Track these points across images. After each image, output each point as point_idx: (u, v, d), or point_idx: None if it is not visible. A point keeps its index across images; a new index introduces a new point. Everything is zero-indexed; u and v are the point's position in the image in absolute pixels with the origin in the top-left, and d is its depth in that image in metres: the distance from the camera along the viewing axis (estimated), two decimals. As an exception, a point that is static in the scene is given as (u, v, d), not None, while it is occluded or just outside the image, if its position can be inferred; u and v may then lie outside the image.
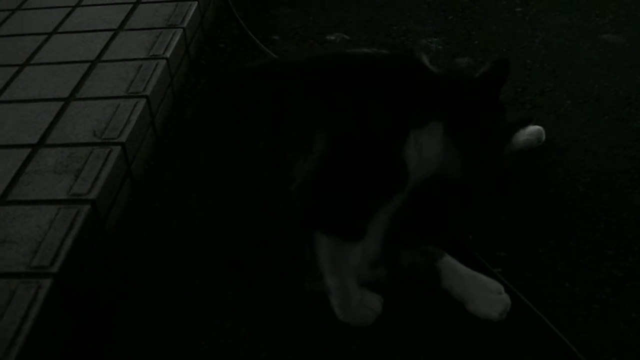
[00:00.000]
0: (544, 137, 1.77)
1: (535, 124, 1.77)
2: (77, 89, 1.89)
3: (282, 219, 1.29)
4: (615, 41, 2.22)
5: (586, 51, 2.18)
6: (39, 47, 2.12)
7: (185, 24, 2.19)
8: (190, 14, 2.26)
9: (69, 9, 2.34)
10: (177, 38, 2.11)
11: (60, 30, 2.22)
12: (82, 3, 2.38)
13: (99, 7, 2.34)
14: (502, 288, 1.36)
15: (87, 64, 2.00)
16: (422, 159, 1.31)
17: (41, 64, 2.04)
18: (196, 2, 2.32)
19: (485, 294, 1.36)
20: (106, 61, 2.01)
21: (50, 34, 2.19)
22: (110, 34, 2.16)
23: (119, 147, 1.65)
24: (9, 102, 1.86)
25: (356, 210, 1.28)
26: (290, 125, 1.26)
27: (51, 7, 2.37)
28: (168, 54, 2.02)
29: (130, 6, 2.32)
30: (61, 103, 1.83)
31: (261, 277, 1.42)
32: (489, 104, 1.42)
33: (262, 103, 1.30)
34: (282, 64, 1.46)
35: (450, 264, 1.40)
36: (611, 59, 2.13)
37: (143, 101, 1.81)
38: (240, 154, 1.29)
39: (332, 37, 2.36)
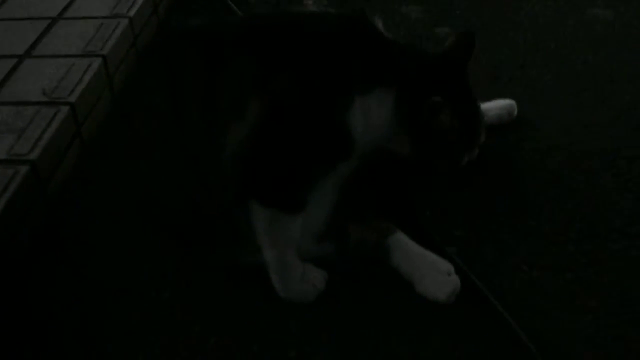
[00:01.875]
0: (515, 112, 1.69)
1: (510, 98, 1.69)
2: (33, 46, 1.81)
3: (216, 189, 1.21)
4: (604, 16, 2.12)
5: (572, 25, 2.08)
6: (1, 3, 2.04)
7: (154, -17, 2.11)
8: (162, -28, 2.18)
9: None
10: (143, -3, 2.03)
11: (23, -15, 2.13)
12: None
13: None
14: (452, 269, 1.29)
15: (48, 21, 1.92)
16: (369, 127, 1.24)
17: (1, 19, 1.96)
18: (169, -39, 2.24)
19: (434, 275, 1.28)
20: (67, 18, 1.94)
21: (13, -10, 2.11)
22: (75, -10, 2.08)
23: (67, 107, 1.58)
24: (-39, 57, 1.79)
25: (294, 180, 1.21)
26: (224, 89, 1.19)
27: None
28: (132, 13, 1.94)
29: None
30: (14, 60, 1.76)
31: (200, 248, 1.35)
32: (448, 81, 1.34)
33: (197, 64, 1.23)
34: (222, 23, 1.38)
35: (400, 240, 1.33)
36: (598, 35, 2.03)
37: (99, 60, 1.73)
38: (173, 118, 1.22)
39: (309, 2, 2.27)
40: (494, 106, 1.66)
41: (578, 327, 1.22)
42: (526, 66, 1.90)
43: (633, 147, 1.60)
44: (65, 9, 1.98)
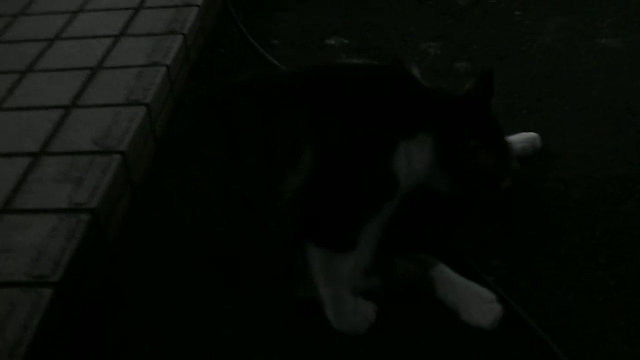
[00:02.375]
0: (539, 144, 1.78)
1: (532, 131, 1.79)
2: (78, 96, 1.91)
3: (274, 232, 1.31)
4: (614, 45, 2.22)
5: (584, 56, 2.19)
6: (41, 54, 2.14)
7: (185, 30, 2.21)
8: (191, 19, 2.28)
9: (71, 14, 2.36)
10: (177, 44, 2.13)
11: (62, 36, 2.24)
12: (84, 9, 2.40)
13: (100, 12, 2.36)
14: (494, 297, 1.38)
15: (88, 71, 2.02)
16: (411, 169, 1.34)
17: (43, 70, 2.06)
18: (197, 7, 2.34)
19: (478, 303, 1.37)
20: (107, 68, 2.03)
21: (52, 40, 2.22)
22: (112, 40, 2.18)
23: (119, 156, 1.67)
24: (11, 109, 1.89)
25: (347, 223, 1.31)
26: (279, 140, 1.29)
27: (53, 13, 2.38)
28: (168, 61, 2.04)
29: (131, 12, 2.33)
30: (62, 111, 1.85)
31: (256, 288, 1.44)
32: (476, 121, 1.45)
33: (251, 117, 1.33)
34: (271, 77, 1.49)
35: (443, 272, 1.42)
36: (609, 64, 2.13)
37: (143, 109, 1.83)
38: (231, 169, 1.32)
39: (332, 42, 2.38)
40: (518, 139, 1.75)
41: (613, 347, 1.31)
42: (543, 98, 2.00)
43: (652, 173, 1.70)
44: (103, 58, 2.08)
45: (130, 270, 1.57)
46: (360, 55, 2.24)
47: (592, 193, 1.66)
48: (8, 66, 2.09)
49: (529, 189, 1.69)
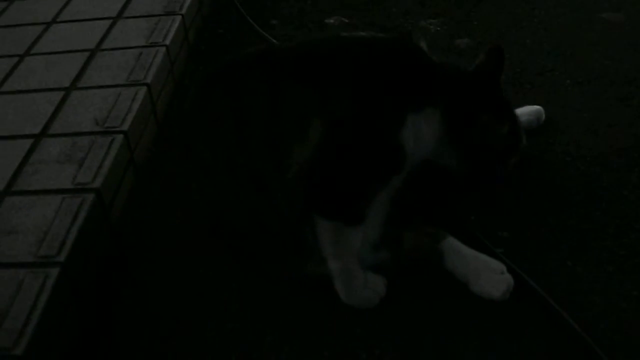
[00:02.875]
0: (543, 117, 1.78)
1: (535, 104, 1.78)
2: (77, 78, 1.89)
3: (282, 206, 1.30)
4: (615, 19, 2.22)
5: (585, 30, 2.18)
6: (39, 37, 2.12)
7: (183, 11, 2.19)
8: (189, 0, 2.26)
9: (67, -2, 2.35)
10: (176, 25, 2.11)
11: (59, 19, 2.22)
12: (80, -8, 2.38)
13: (97, -5, 2.34)
14: (504, 268, 1.37)
15: (87, 53, 2.00)
16: (418, 143, 1.34)
17: (41, 54, 2.04)
18: (194, -12, 2.32)
19: (488, 274, 1.37)
20: (106, 50, 2.01)
21: (49, 24, 2.19)
22: (109, 22, 2.16)
23: (121, 136, 1.66)
24: (10, 92, 1.87)
25: (355, 195, 1.30)
26: (286, 113, 1.28)
27: (49, -4, 2.37)
28: (167, 41, 2.03)
29: (128, -7, 2.31)
30: (62, 93, 1.83)
31: (264, 263, 1.43)
32: (487, 96, 1.44)
33: (257, 92, 1.31)
34: (276, 51, 1.47)
35: (452, 244, 1.41)
36: (610, 38, 2.13)
37: (144, 89, 1.82)
38: (237, 144, 1.31)
39: (331, 21, 2.36)
40: (523, 112, 1.74)
41: (625, 315, 1.31)
42: (546, 72, 2.00)
43: (657, 144, 1.69)
44: (102, 40, 2.06)
45: (136, 250, 1.56)
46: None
47: (597, 165, 1.66)
48: (5, 50, 2.07)
49: (534, 161, 1.69)
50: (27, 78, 1.92)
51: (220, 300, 1.42)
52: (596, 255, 1.43)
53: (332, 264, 1.34)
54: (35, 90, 1.86)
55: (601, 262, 1.42)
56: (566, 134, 1.76)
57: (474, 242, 1.45)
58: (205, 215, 1.47)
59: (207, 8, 2.46)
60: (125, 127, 1.68)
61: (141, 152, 1.76)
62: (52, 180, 1.55)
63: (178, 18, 2.14)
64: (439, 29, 2.26)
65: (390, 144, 1.30)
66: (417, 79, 1.36)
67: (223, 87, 1.37)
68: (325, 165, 1.27)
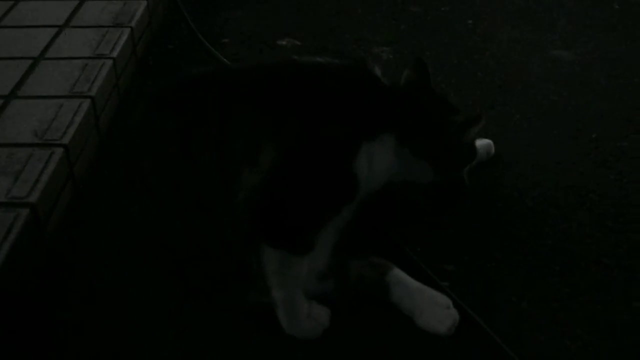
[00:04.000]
0: (493, 151, 1.78)
1: (485, 138, 1.78)
2: (18, 86, 1.82)
3: (227, 231, 1.26)
4: (565, 57, 2.25)
5: (536, 66, 2.20)
6: (-22, 43, 2.04)
7: (133, 23, 2.14)
8: (139, 13, 2.21)
9: (12, 2, 2.26)
10: (124, 37, 2.06)
11: (1, 24, 2.13)
12: (27, -3, 2.30)
13: (43, 1, 2.26)
14: (450, 302, 1.35)
15: (30, 61, 1.93)
16: (373, 171, 1.31)
17: (-19, 58, 1.96)
18: (145, 1, 2.27)
19: (434, 308, 1.34)
20: (50, 59, 1.95)
21: (-10, 28, 2.11)
22: (55, 30, 2.09)
23: (61, 149, 1.59)
24: (-54, 98, 1.79)
25: (304, 224, 1.26)
26: (236, 137, 1.24)
27: (-7, 1, 2.28)
28: (115, 54, 1.97)
29: (76, 2, 2.25)
30: (1, 101, 1.75)
31: (205, 289, 1.38)
32: (428, 102, 1.45)
33: (207, 113, 1.27)
34: (229, 71, 1.44)
35: (399, 277, 1.39)
36: (560, 75, 2.15)
37: (88, 102, 1.75)
38: (184, 165, 1.26)
39: (283, 42, 2.33)
40: None
41: (568, 353, 1.30)
42: (496, 106, 2.00)
43: (602, 183, 1.70)
44: (45, 49, 1.99)
45: (71, 269, 1.48)
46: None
47: (545, 201, 1.66)
48: (-59, 54, 1.98)
49: (482, 195, 1.68)
50: (-36, 84, 1.84)
51: (157, 326, 1.36)
52: (541, 292, 1.42)
53: (275, 293, 1.30)
54: (-29, 97, 1.78)
55: (546, 299, 1.41)
56: (515, 169, 1.76)
57: (420, 275, 1.42)
58: (147, 237, 1.42)
59: (158, 22, 2.41)
60: (65, 140, 1.62)
61: (81, 166, 1.69)
62: (-15, 192, 1.47)
63: (127, 30, 2.09)
64: (391, 56, 2.26)
65: (342, 173, 1.28)
66: (371, 106, 1.33)
67: (172, 106, 1.32)
68: (274, 192, 1.23)
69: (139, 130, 1.36)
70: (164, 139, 1.30)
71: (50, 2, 2.25)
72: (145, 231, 1.39)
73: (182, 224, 1.30)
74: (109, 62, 1.92)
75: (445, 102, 1.50)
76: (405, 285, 1.38)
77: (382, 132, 1.33)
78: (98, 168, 1.76)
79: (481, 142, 1.76)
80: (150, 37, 2.32)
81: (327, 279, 1.38)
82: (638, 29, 2.40)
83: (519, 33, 2.39)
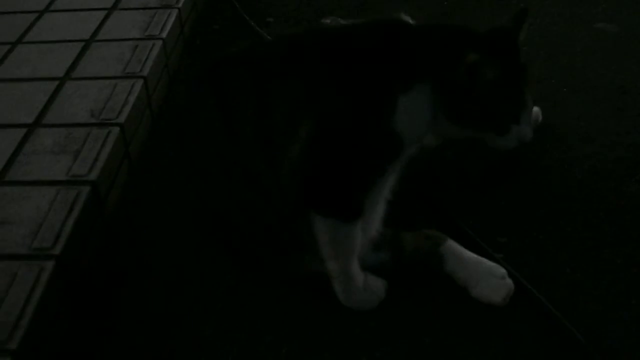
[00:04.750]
0: (540, 118, 1.77)
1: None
2: (72, 68, 1.86)
3: (276, 203, 1.28)
4: (609, 29, 2.23)
5: (581, 39, 2.19)
6: (31, 25, 2.09)
7: (180, 4, 2.17)
8: (185, -6, 2.24)
9: (61, -13, 2.31)
10: (172, 18, 2.09)
11: (52, 8, 2.18)
12: (75, -19, 2.34)
13: (92, -15, 2.31)
14: (505, 273, 1.37)
15: (82, 44, 1.97)
16: (414, 122, 1.29)
17: (34, 42, 2.00)
18: (191, -18, 2.30)
19: (489, 279, 1.36)
20: (101, 41, 1.98)
21: (42, 12, 2.16)
22: (104, 13, 2.13)
23: (118, 128, 1.63)
24: (2, 80, 1.83)
25: (350, 189, 1.27)
26: (275, 110, 1.26)
27: (42, -15, 2.32)
28: (164, 35, 2.00)
29: (124, -15, 2.28)
30: (56, 82, 1.80)
31: (261, 260, 1.41)
32: (476, 38, 1.34)
33: (244, 89, 1.30)
34: (261, 47, 1.45)
35: (453, 248, 1.40)
36: (605, 48, 2.14)
37: (140, 82, 1.79)
38: (228, 141, 1.29)
39: (327, 21, 2.34)
40: None
41: (622, 324, 1.31)
42: (543, 80, 1.99)
43: (653, 155, 1.70)
44: (97, 31, 2.03)
45: (130, 246, 1.53)
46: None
47: (594, 173, 1.66)
48: (-4, 38, 2.03)
49: (532, 167, 1.69)
50: (20, 67, 1.88)
51: (216, 299, 1.40)
52: (594, 264, 1.43)
53: (330, 265, 1.32)
54: (28, 79, 1.83)
55: (600, 271, 1.42)
56: (563, 142, 1.76)
57: (474, 247, 1.44)
58: (200, 213, 1.45)
59: (203, 2, 2.44)
60: (121, 119, 1.66)
61: (136, 145, 1.73)
62: (47, 171, 1.52)
63: (175, 12, 2.12)
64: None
65: (382, 132, 1.26)
66: (402, 58, 1.29)
67: (212, 84, 1.35)
68: (316, 160, 1.24)
69: (183, 109, 1.40)
70: (206, 117, 1.33)
71: (98, -14, 2.29)
72: (199, 208, 1.43)
73: (233, 198, 1.33)
74: (159, 43, 1.96)
75: (487, 37, 1.34)
76: (460, 256, 1.39)
77: (415, 82, 1.27)
78: (151, 147, 1.80)
79: None
80: (196, 18, 2.35)
81: (382, 249, 1.40)
82: (684, 0, 2.38)
83: (562, 6, 2.37)
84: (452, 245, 1.41)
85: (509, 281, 1.36)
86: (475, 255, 1.40)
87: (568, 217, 1.55)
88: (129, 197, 1.64)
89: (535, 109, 1.77)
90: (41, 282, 1.26)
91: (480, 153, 1.70)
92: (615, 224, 1.52)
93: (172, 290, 1.43)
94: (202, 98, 1.37)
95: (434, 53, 1.30)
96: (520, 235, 1.51)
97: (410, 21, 1.36)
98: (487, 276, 1.36)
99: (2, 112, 1.70)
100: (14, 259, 1.32)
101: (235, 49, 1.43)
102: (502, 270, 1.37)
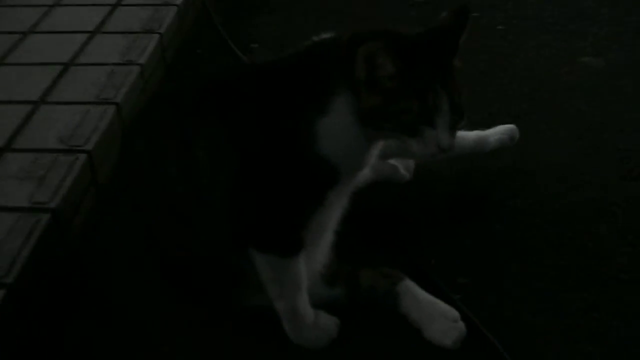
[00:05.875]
0: (517, 136, 1.75)
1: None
2: (47, 92, 1.87)
3: (209, 241, 1.28)
4: (595, 64, 2.21)
5: (565, 74, 2.17)
6: (14, 46, 2.10)
7: (162, 29, 2.18)
8: (169, 19, 2.25)
9: (47, 7, 2.32)
10: (153, 44, 2.10)
11: (36, 30, 2.20)
12: (61, 2, 2.36)
13: (77, 7, 2.33)
14: (458, 316, 1.35)
15: (61, 67, 1.98)
16: (341, 142, 1.21)
17: (14, 64, 2.02)
18: (175, 7, 2.31)
19: (441, 321, 1.34)
20: (80, 64, 1.99)
21: (25, 33, 2.17)
22: (87, 36, 2.14)
23: (85, 155, 1.63)
24: (-22, 103, 1.85)
25: (285, 222, 1.25)
26: (196, 150, 1.24)
27: (29, 5, 2.35)
28: (142, 60, 2.01)
29: (109, 8, 2.30)
30: (30, 106, 1.81)
31: (205, 296, 1.40)
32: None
33: (168, 130, 1.29)
34: (186, 85, 1.43)
35: (409, 288, 1.39)
36: (589, 83, 2.12)
37: (112, 108, 1.79)
38: (156, 181, 1.30)
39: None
40: (496, 131, 1.74)
41: (579, 373, 1.29)
42: (522, 115, 1.98)
43: (626, 196, 1.68)
44: (76, 54, 2.04)
45: (90, 274, 1.52)
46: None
47: (565, 213, 1.64)
48: (-22, 59, 2.05)
49: (500, 205, 1.67)
50: (-3, 89, 1.90)
51: (166, 336, 1.39)
52: (555, 308, 1.41)
53: (276, 303, 1.31)
54: (3, 102, 1.84)
55: (560, 315, 1.39)
56: (535, 179, 1.74)
57: (433, 287, 1.42)
58: (147, 241, 1.44)
59: (188, 27, 2.45)
60: (89, 146, 1.66)
61: (105, 172, 1.73)
62: (9, 197, 1.52)
63: (156, 37, 2.13)
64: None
65: (307, 158, 1.21)
66: (313, 77, 1.22)
67: (142, 124, 1.38)
68: (246, 196, 1.23)
69: (132, 133, 1.43)
70: (139, 156, 1.34)
71: (83, 8, 2.31)
72: (147, 241, 1.42)
73: (170, 233, 1.33)
74: (136, 69, 1.96)
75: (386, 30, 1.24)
76: (415, 297, 1.38)
77: (333, 96, 1.19)
78: (121, 173, 1.80)
79: (505, 127, 1.75)
80: (180, 42, 2.35)
81: (336, 284, 1.39)
82: (673, 37, 2.36)
83: (548, 39, 2.35)
84: (409, 285, 1.39)
85: (461, 324, 1.34)
86: (430, 297, 1.38)
87: (534, 258, 1.53)
88: (95, 224, 1.64)
89: (512, 126, 1.76)
90: (-9, 310, 1.26)
91: (448, 189, 1.69)
92: (581, 266, 1.50)
93: (122, 323, 1.42)
94: (135, 137, 1.39)
95: (346, 57, 1.18)
96: (483, 276, 1.49)
97: (327, 35, 1.29)
98: (439, 318, 1.34)
99: (-26, 135, 1.71)
100: (-34, 287, 1.31)
101: (169, 87, 1.43)
102: (455, 313, 1.35)
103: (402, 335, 1.36)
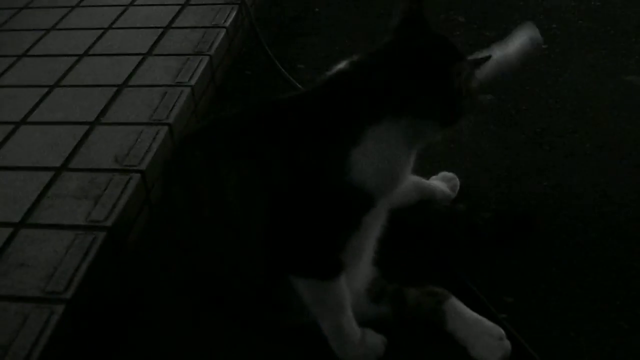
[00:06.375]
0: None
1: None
2: (102, 113, 1.93)
3: (249, 275, 1.33)
4: (639, 82, 2.21)
5: (609, 93, 2.17)
6: (70, 69, 2.17)
7: (212, 51, 2.23)
8: (218, 40, 2.30)
9: (101, 31, 2.40)
10: (203, 65, 2.15)
11: (91, 52, 2.27)
12: (114, 26, 2.44)
13: (129, 30, 2.40)
14: (503, 334, 1.37)
15: (114, 88, 2.04)
16: (377, 167, 1.25)
17: (70, 86, 2.09)
18: (224, 29, 2.37)
19: (487, 340, 1.36)
20: (133, 86, 2.06)
21: (81, 56, 2.25)
22: (139, 58, 2.21)
23: (139, 175, 1.69)
24: (37, 123, 1.91)
25: (322, 248, 1.29)
26: (230, 191, 1.29)
27: (83, 29, 2.43)
28: (193, 82, 2.06)
29: (160, 31, 2.37)
30: (86, 127, 1.87)
31: (253, 317, 1.44)
32: (420, 54, 1.33)
33: (200, 170, 1.35)
34: (213, 125, 1.47)
35: (455, 306, 1.41)
36: (634, 101, 2.12)
37: (165, 129, 1.85)
38: (193, 222, 1.36)
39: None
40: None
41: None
42: (566, 134, 1.99)
43: (673, 216, 1.68)
44: (130, 76, 2.10)
45: (143, 292, 1.58)
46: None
47: (610, 233, 1.65)
48: (36, 80, 2.12)
49: (546, 225, 1.68)
50: (54, 110, 1.97)
51: (216, 351, 1.43)
52: (600, 328, 1.42)
53: (322, 323, 1.35)
54: (60, 123, 1.90)
55: (604, 335, 1.40)
56: (580, 200, 1.75)
57: (478, 305, 1.44)
58: (194, 265, 1.47)
59: (237, 48, 2.51)
60: (143, 166, 1.71)
61: (158, 191, 1.79)
62: (67, 215, 1.58)
63: (206, 59, 2.18)
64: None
65: (340, 185, 1.24)
66: (343, 110, 1.27)
67: (176, 165, 1.44)
68: (281, 229, 1.27)
69: (170, 165, 1.49)
70: (174, 196, 1.42)
71: (135, 31, 2.38)
72: (193, 260, 1.46)
73: (212, 268, 1.39)
74: (187, 90, 2.02)
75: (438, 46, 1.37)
76: (461, 315, 1.40)
77: (371, 125, 1.25)
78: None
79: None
80: (229, 63, 2.42)
81: (383, 302, 1.42)
82: None
83: (593, 58, 2.36)
84: (455, 303, 1.42)
85: (507, 343, 1.35)
86: (475, 315, 1.40)
87: (578, 277, 1.54)
88: (147, 243, 1.69)
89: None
90: (50, 326, 1.32)
91: (493, 207, 1.71)
92: (626, 286, 1.51)
93: (173, 339, 1.46)
94: (170, 176, 1.45)
95: (400, 83, 1.26)
96: (528, 295, 1.50)
97: (344, 67, 1.32)
98: (484, 336, 1.36)
99: (33, 155, 1.78)
100: (27, 301, 1.37)
101: (199, 125, 1.47)
102: (501, 331, 1.37)
103: (448, 353, 1.38)
